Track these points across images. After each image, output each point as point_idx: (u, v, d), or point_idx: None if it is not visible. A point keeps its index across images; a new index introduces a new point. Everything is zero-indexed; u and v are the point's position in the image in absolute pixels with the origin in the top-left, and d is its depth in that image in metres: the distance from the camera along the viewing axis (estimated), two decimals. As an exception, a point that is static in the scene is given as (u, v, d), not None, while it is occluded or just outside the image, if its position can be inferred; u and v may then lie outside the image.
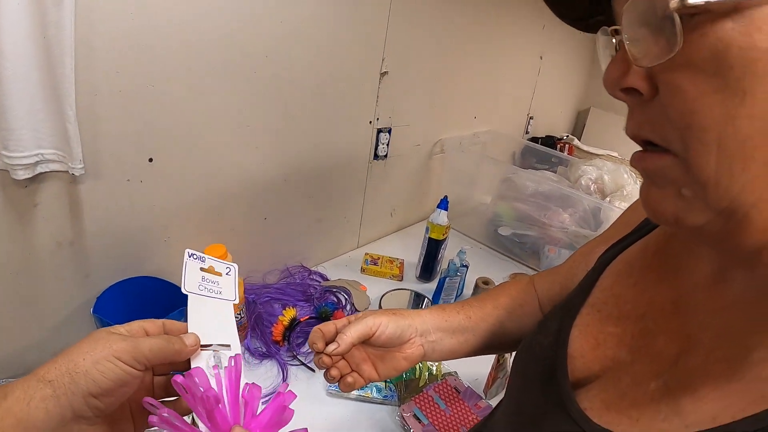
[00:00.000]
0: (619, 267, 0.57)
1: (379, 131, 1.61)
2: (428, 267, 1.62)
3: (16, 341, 1.09)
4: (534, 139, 2.50)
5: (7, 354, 1.08)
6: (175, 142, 1.13)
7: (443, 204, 1.55)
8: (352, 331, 0.67)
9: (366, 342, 0.70)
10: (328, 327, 0.70)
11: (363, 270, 1.64)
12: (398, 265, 1.67)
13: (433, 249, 1.59)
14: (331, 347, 0.66)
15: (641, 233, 0.58)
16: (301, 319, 1.31)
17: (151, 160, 1.11)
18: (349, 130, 1.52)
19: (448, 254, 1.62)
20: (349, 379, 0.69)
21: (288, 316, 1.29)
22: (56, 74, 0.87)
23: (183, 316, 1.02)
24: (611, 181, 1.99)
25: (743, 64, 0.30)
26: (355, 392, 1.12)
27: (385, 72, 1.51)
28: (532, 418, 0.54)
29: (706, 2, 0.30)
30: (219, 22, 1.09)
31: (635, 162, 0.39)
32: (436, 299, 1.51)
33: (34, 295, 1.07)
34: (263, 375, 1.19)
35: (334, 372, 0.69)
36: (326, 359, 0.67)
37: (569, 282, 0.69)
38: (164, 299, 1.15)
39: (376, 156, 1.65)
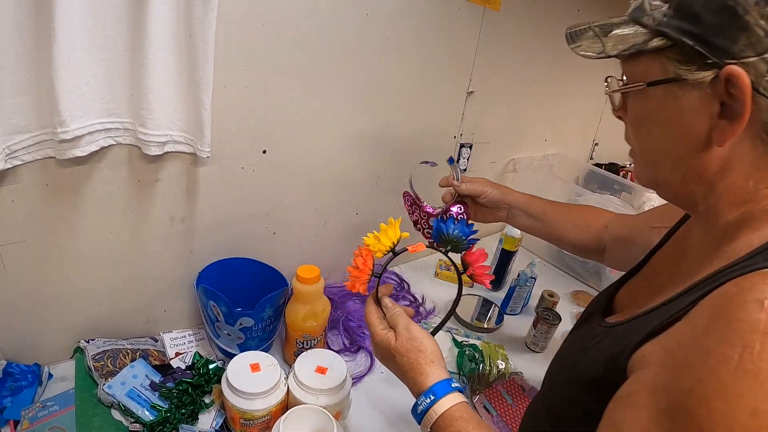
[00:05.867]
0: (665, 250, 0.79)
1: (462, 146, 1.69)
2: (498, 276, 1.67)
3: (114, 306, 1.16)
4: (597, 165, 2.50)
5: (103, 317, 1.15)
6: (287, 139, 1.23)
7: (518, 217, 1.60)
8: (470, 187, 1.05)
9: (473, 199, 1.07)
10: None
11: (437, 274, 1.70)
12: (470, 273, 1.71)
13: (504, 259, 1.64)
14: (456, 184, 1.05)
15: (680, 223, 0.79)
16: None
17: (264, 152, 1.20)
18: (435, 141, 1.60)
19: (515, 267, 1.67)
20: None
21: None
22: (198, 65, 0.96)
23: (276, 298, 1.09)
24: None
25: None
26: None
27: (471, 92, 1.59)
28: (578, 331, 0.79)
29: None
30: (335, 40, 1.19)
31: None
32: (504, 306, 1.56)
33: (140, 265, 1.15)
34: (354, 364, 1.27)
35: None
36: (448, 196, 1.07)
37: (635, 235, 0.96)
38: (258, 279, 1.24)
39: (456, 169, 1.71)
